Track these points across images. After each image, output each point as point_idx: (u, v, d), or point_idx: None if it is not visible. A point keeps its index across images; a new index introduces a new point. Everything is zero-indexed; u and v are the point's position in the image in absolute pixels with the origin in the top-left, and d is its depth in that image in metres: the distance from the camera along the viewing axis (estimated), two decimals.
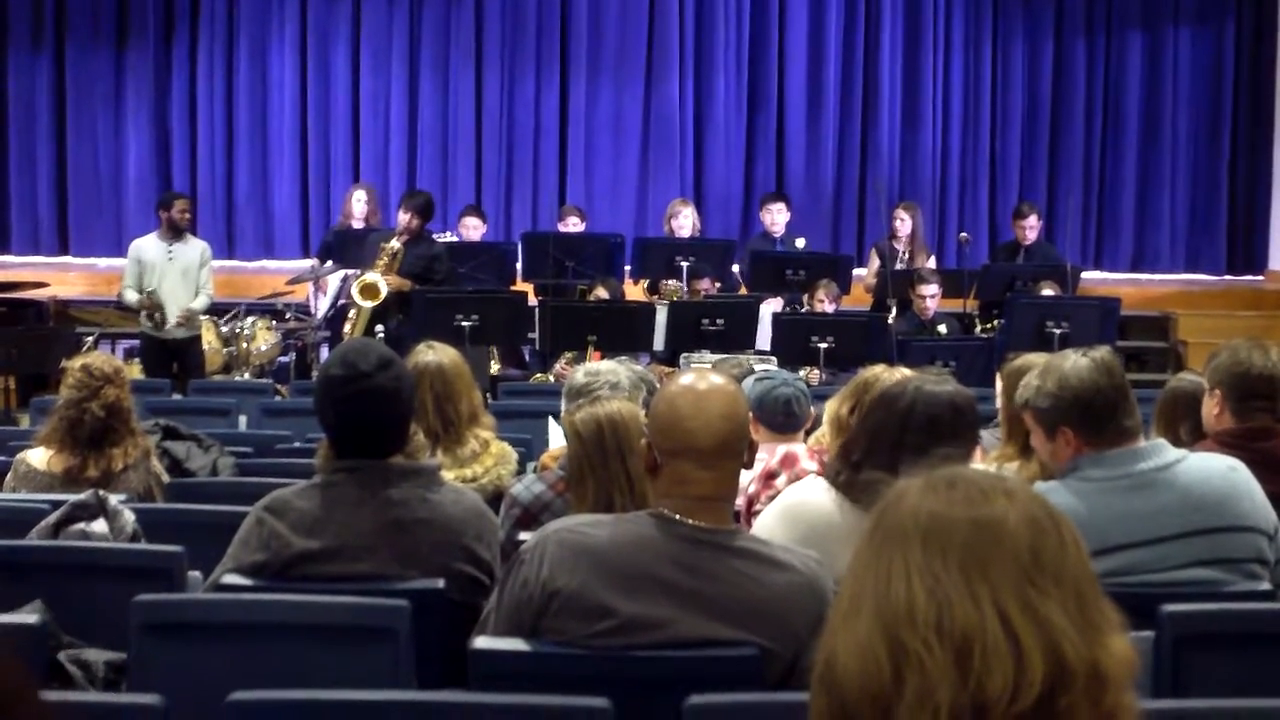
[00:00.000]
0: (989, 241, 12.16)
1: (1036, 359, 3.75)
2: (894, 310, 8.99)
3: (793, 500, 3.16)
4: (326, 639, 2.84)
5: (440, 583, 3.02)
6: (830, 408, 4.00)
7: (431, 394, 4.14)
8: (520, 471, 4.29)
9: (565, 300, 8.92)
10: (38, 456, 4.40)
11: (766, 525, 3.11)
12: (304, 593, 2.95)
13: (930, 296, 9.02)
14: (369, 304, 8.55)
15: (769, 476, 3.79)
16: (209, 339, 9.15)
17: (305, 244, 12.20)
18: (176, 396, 7.52)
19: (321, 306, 9.66)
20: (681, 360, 7.76)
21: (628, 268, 9.85)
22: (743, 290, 9.99)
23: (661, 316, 8.41)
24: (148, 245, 8.95)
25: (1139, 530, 3.06)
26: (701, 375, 2.60)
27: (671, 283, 9.42)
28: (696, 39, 12.51)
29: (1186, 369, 9.35)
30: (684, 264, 9.33)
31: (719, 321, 8.24)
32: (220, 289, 9.63)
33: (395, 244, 8.68)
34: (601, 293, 8.82)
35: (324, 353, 9.22)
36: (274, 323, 9.62)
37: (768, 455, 3.84)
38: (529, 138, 12.48)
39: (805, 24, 12.50)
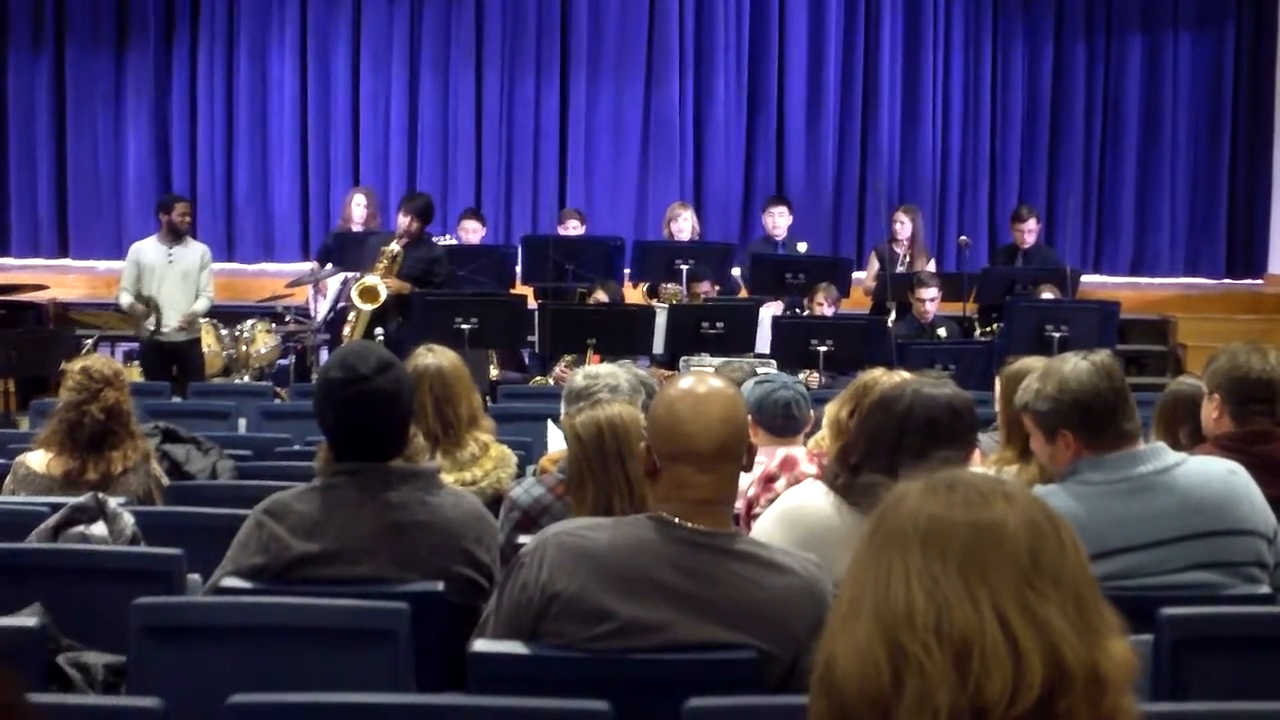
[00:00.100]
0: (988, 244, 12.16)
1: (1035, 362, 3.75)
2: (893, 313, 9.00)
3: (791, 504, 3.16)
4: (326, 642, 2.84)
5: (439, 585, 3.02)
6: (830, 411, 4.00)
7: (431, 397, 4.14)
8: (520, 474, 4.29)
9: (565, 303, 8.91)
10: (37, 459, 4.40)
11: (765, 529, 3.11)
12: (303, 595, 2.95)
13: (930, 300, 9.02)
14: (368, 307, 8.55)
15: (768, 480, 3.79)
16: (208, 342, 9.16)
17: (305, 247, 12.20)
18: (176, 399, 7.51)
19: (321, 309, 9.66)
20: (681, 363, 7.76)
21: (627, 271, 9.85)
22: (743, 293, 10.00)
23: (661, 320, 8.41)
24: (147, 248, 8.95)
25: (1138, 534, 3.06)
26: (700, 378, 2.60)
27: (670, 286, 9.42)
28: (696, 40, 12.51)
29: (1186, 372, 9.36)
30: (684, 267, 9.33)
31: (718, 325, 8.25)
32: (220, 292, 9.63)
33: (395, 247, 8.68)
34: (601, 296, 8.82)
35: (323, 355, 9.21)
36: (273, 325, 9.62)
37: (767, 458, 3.84)
38: (529, 139, 12.49)
39: (805, 26, 12.51)
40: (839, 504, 3.04)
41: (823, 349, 8.05)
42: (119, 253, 10.37)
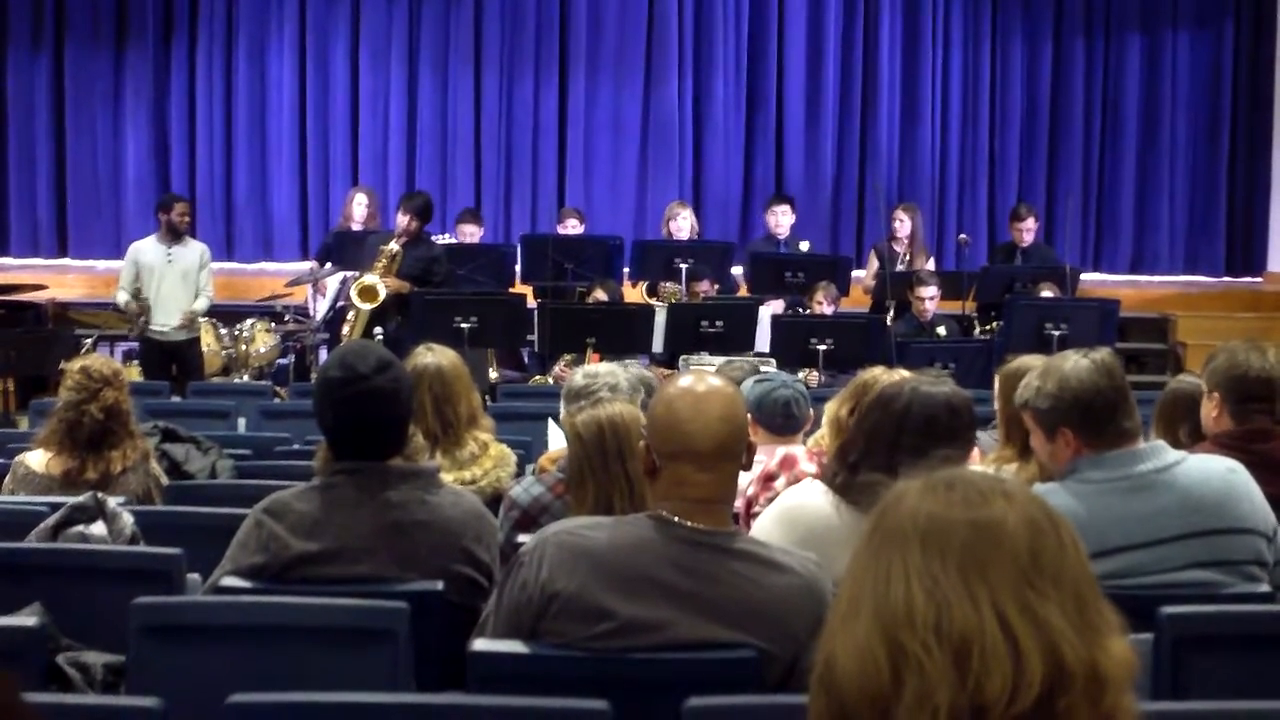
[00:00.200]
0: (987, 243, 12.16)
1: (1034, 361, 3.74)
2: (893, 312, 9.00)
3: (790, 503, 3.16)
4: (325, 641, 2.84)
5: (439, 585, 3.02)
6: (829, 409, 4.00)
7: (430, 396, 4.14)
8: (519, 474, 4.28)
9: (564, 302, 8.91)
10: (36, 459, 4.40)
11: (764, 528, 3.11)
12: (303, 595, 2.95)
13: (929, 298, 9.02)
14: (367, 306, 8.54)
15: (768, 478, 3.79)
16: (208, 341, 9.15)
17: (304, 246, 12.20)
18: (175, 399, 7.51)
19: (320, 309, 9.66)
20: (680, 362, 7.76)
21: (626, 270, 9.85)
22: (742, 292, 9.99)
23: (660, 318, 8.41)
24: (146, 248, 8.95)
25: (1138, 532, 3.06)
26: (700, 377, 2.60)
27: (669, 285, 9.42)
28: (696, 39, 12.51)
29: (1185, 371, 9.36)
30: (683, 266, 9.33)
31: (718, 323, 8.25)
32: (219, 291, 9.63)
33: (394, 246, 8.67)
34: (600, 295, 8.82)
35: (323, 355, 9.21)
36: (273, 325, 9.61)
37: (767, 457, 3.84)
38: (528, 138, 12.49)
39: (804, 25, 12.51)
40: (838, 503, 3.04)
41: (822, 348, 8.05)
42: (118, 252, 10.36)
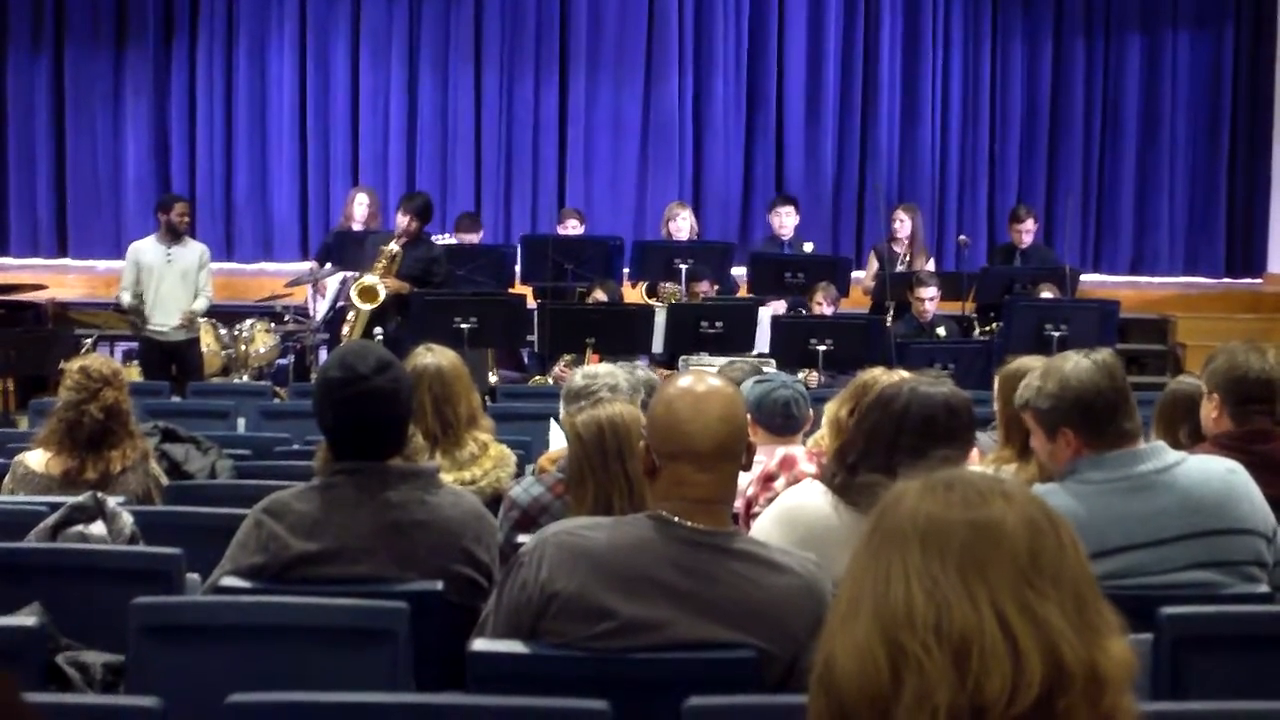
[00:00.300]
0: (987, 243, 12.16)
1: (1033, 362, 3.75)
2: (892, 313, 9.00)
3: (790, 504, 3.16)
4: (325, 641, 2.84)
5: (439, 585, 3.02)
6: (829, 410, 4.00)
7: (430, 396, 4.14)
8: (519, 474, 4.29)
9: (564, 303, 8.91)
10: (36, 459, 4.40)
11: (764, 529, 3.11)
12: (302, 595, 2.95)
13: (929, 299, 9.03)
14: (367, 306, 8.54)
15: (767, 479, 3.79)
16: (208, 341, 9.16)
17: (304, 246, 12.20)
18: (175, 399, 7.51)
19: (320, 309, 9.66)
20: (680, 363, 7.76)
21: (626, 270, 9.85)
22: (742, 292, 9.99)
23: (660, 319, 8.41)
24: (146, 248, 8.95)
25: (1138, 532, 3.06)
26: (699, 377, 2.60)
27: (669, 285, 9.42)
28: (696, 38, 12.52)
29: (1185, 371, 9.36)
30: (683, 266, 9.33)
31: (718, 324, 8.25)
32: (219, 291, 9.63)
33: (394, 247, 8.67)
34: (600, 295, 8.82)
35: (322, 355, 9.22)
36: (273, 325, 9.62)
37: (766, 457, 3.84)
38: (528, 138, 12.49)
39: (804, 24, 12.51)
40: (837, 503, 3.04)
41: (822, 348, 8.05)
42: (118, 252, 10.37)
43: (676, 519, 2.50)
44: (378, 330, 8.36)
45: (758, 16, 12.51)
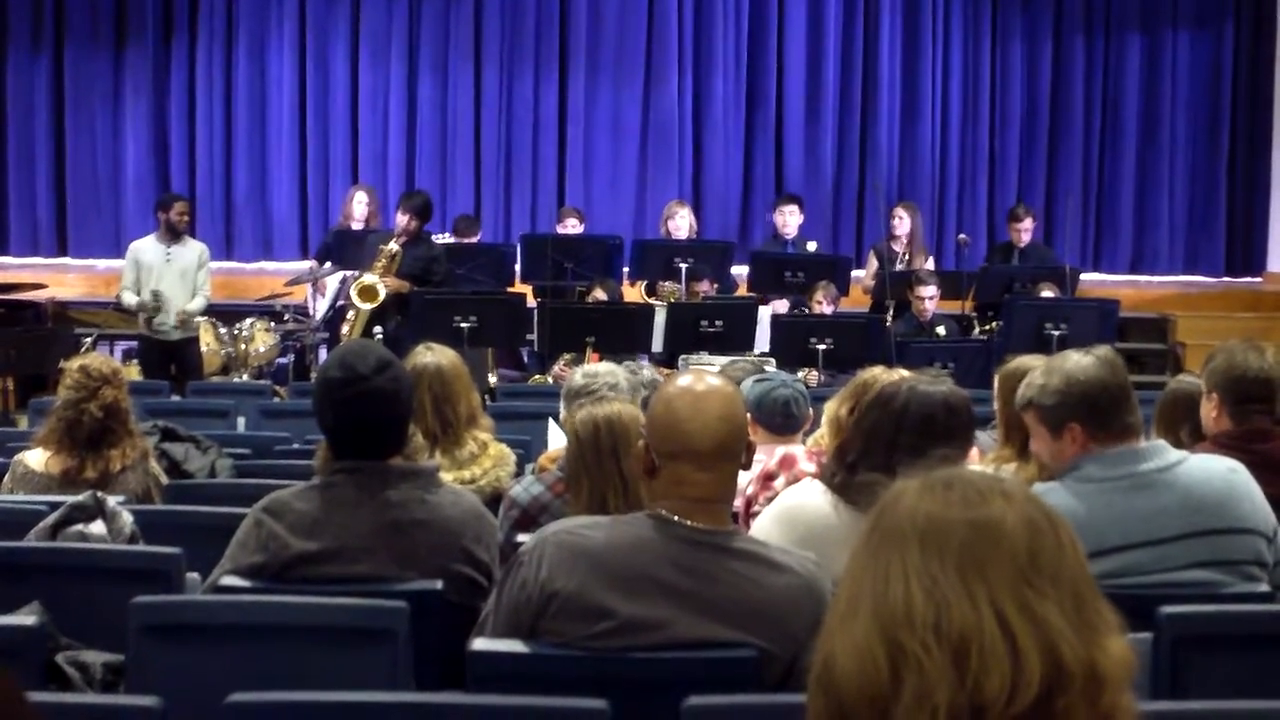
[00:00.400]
0: (987, 242, 12.16)
1: (1033, 361, 3.75)
2: (892, 312, 9.00)
3: (789, 503, 3.16)
4: (325, 640, 2.84)
5: (438, 584, 3.02)
6: (829, 409, 4.00)
7: (430, 395, 4.14)
8: (519, 473, 4.29)
9: (564, 302, 8.92)
10: (36, 458, 4.40)
11: (763, 528, 3.11)
12: (302, 594, 2.95)
13: (929, 298, 9.02)
14: (367, 306, 8.54)
15: (767, 478, 3.79)
16: (207, 340, 9.15)
17: (304, 245, 12.20)
18: (175, 398, 7.51)
19: (320, 308, 9.66)
20: (680, 362, 7.77)
21: (626, 269, 9.85)
22: (741, 291, 9.99)
23: (660, 318, 8.41)
24: (146, 247, 8.95)
25: (1139, 531, 3.06)
26: (699, 376, 2.60)
27: (668, 284, 9.43)
28: (695, 38, 12.52)
29: (1185, 371, 9.36)
30: (683, 265, 9.33)
31: (718, 323, 8.25)
32: (219, 290, 9.63)
33: (393, 246, 8.67)
34: (600, 294, 8.82)
35: (322, 354, 9.22)
36: (272, 324, 9.61)
37: (766, 456, 3.83)
38: (527, 137, 12.49)
39: (804, 24, 12.51)
40: (837, 503, 3.04)
41: (822, 347, 8.06)
42: (118, 252, 10.37)
43: (676, 518, 2.50)
44: (377, 329, 8.36)
45: (757, 16, 12.51)
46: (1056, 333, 8.08)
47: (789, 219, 10.10)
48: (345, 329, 8.69)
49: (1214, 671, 2.83)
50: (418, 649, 2.83)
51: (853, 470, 3.05)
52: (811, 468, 3.66)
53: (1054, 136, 12.73)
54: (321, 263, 9.79)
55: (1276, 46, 12.55)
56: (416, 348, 4.34)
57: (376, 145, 12.45)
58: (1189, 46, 12.68)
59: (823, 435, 4.11)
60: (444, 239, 9.62)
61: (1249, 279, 12.64)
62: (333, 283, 9.56)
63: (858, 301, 10.05)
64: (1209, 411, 3.80)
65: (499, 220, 12.33)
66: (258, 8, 12.30)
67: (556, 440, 4.55)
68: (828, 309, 8.85)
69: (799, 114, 12.54)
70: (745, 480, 3.70)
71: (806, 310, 9.03)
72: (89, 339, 9.22)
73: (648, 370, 5.04)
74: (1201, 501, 3.09)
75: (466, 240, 10.03)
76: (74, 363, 4.49)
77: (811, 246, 10.18)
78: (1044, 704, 1.38)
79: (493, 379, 8.65)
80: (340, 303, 9.24)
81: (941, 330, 9.03)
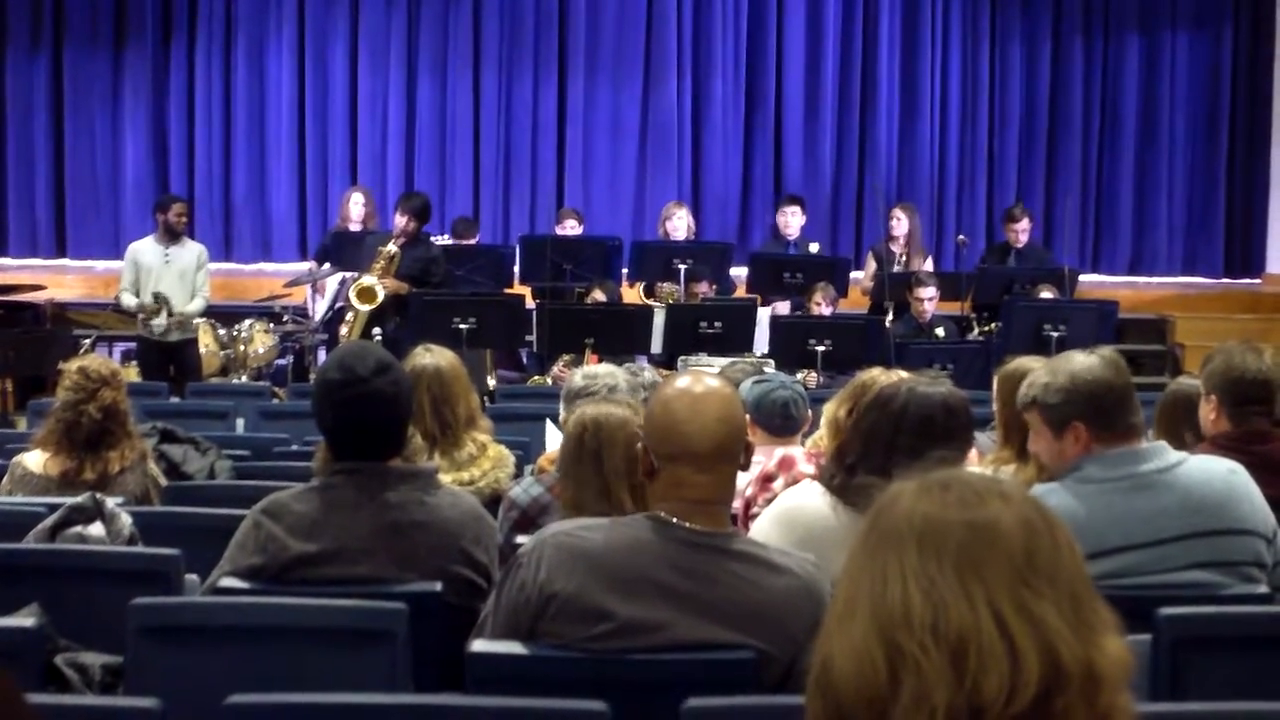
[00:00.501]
0: (986, 243, 12.16)
1: (1032, 362, 3.75)
2: (891, 313, 9.00)
3: (788, 505, 3.16)
4: (324, 642, 2.84)
5: (438, 586, 3.02)
6: (828, 410, 4.00)
7: (429, 397, 4.14)
8: (518, 474, 4.29)
9: (563, 303, 8.92)
10: (34, 459, 4.40)
11: (762, 530, 3.11)
12: (301, 596, 2.94)
13: (928, 299, 9.03)
14: (366, 308, 8.54)
15: (766, 479, 3.79)
16: (206, 342, 9.15)
17: (303, 247, 12.20)
18: (174, 399, 7.51)
19: (319, 309, 9.66)
20: (679, 363, 7.77)
21: (625, 270, 9.85)
22: (740, 292, 10.00)
23: (659, 319, 8.41)
24: (144, 248, 8.95)
25: (1139, 532, 3.06)
26: (697, 378, 2.60)
27: (666, 285, 9.43)
28: (694, 40, 12.52)
29: (1184, 372, 9.36)
30: (682, 267, 9.33)
31: (716, 324, 8.25)
32: (218, 292, 9.63)
33: (392, 247, 8.67)
34: (599, 295, 8.82)
35: (321, 355, 9.22)
36: (271, 325, 9.61)
37: (765, 458, 3.84)
38: (526, 139, 12.49)
39: (803, 25, 12.51)
40: (836, 504, 3.04)
41: (821, 349, 8.06)
42: (116, 253, 10.37)
43: (675, 520, 2.50)
44: (376, 330, 8.36)
45: (756, 17, 12.52)
46: (1055, 334, 8.09)
47: (791, 220, 10.11)
48: (344, 330, 8.69)
49: (1213, 673, 2.84)
50: (417, 650, 2.83)
51: (852, 472, 3.05)
52: (810, 469, 3.66)
53: (1053, 137, 12.73)
54: (320, 264, 9.79)
55: (1275, 47, 12.55)
56: (415, 349, 4.34)
57: (375, 146, 12.45)
58: (1188, 47, 12.68)
59: (821, 437, 4.11)
60: (442, 240, 9.62)
61: (1248, 280, 12.64)
62: (332, 284, 9.56)
63: (857, 303, 10.05)
64: (1207, 413, 3.81)
65: (498, 221, 12.34)
66: (257, 9, 12.30)
67: (555, 442, 4.55)
68: (826, 310, 8.85)
69: (798, 115, 12.54)
70: (744, 482, 3.70)
71: (805, 312, 9.04)
72: (88, 340, 9.21)
73: (648, 372, 5.04)
74: (1201, 502, 3.09)
75: (465, 242, 10.02)
76: (73, 364, 4.49)
77: (814, 248, 10.18)
78: (1042, 704, 1.38)
79: (491, 380, 8.65)
80: (339, 304, 9.24)
81: (940, 331, 9.03)
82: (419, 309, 8.19)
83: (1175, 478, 3.11)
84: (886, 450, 3.01)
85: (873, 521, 1.49)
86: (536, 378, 8.72)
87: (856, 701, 1.41)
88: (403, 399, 3.16)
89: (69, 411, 4.35)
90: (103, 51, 12.24)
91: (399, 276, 8.60)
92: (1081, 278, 10.80)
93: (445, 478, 3.77)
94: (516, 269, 9.69)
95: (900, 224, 10.19)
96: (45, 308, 10.54)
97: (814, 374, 8.00)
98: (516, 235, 11.01)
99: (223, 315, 9.51)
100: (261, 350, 9.42)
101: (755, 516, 3.44)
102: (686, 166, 12.53)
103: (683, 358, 7.92)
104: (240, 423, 6.59)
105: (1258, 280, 12.60)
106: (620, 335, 8.18)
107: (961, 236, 11.25)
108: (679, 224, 10.08)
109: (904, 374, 3.64)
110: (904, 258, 10.04)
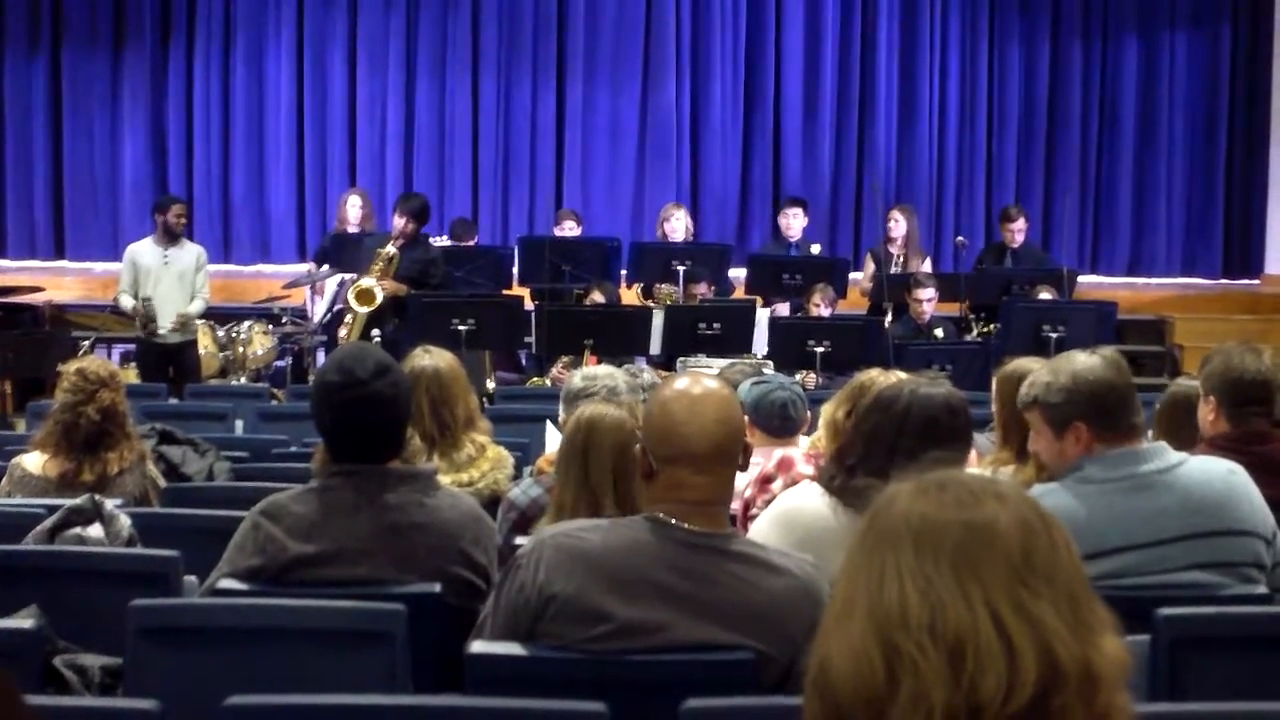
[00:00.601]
0: (985, 244, 12.16)
1: (1031, 363, 3.75)
2: (890, 314, 9.00)
3: (787, 505, 3.16)
4: (323, 643, 2.84)
5: (437, 587, 3.02)
6: (826, 411, 3.99)
7: (428, 398, 4.14)
8: (517, 476, 4.29)
9: (561, 304, 8.92)
10: (33, 461, 4.40)
11: (761, 530, 3.11)
12: (300, 597, 2.94)
13: (927, 300, 9.03)
14: (365, 309, 8.54)
15: (765, 480, 3.79)
16: (205, 343, 9.15)
17: (301, 248, 12.20)
18: (173, 401, 7.51)
19: (318, 311, 9.66)
20: (678, 364, 7.77)
21: (624, 272, 9.86)
22: (738, 294, 10.00)
23: (658, 320, 8.41)
24: (143, 250, 8.94)
25: (1139, 532, 3.06)
26: (696, 379, 2.60)
27: (664, 286, 9.43)
28: (693, 41, 12.52)
29: (1184, 373, 9.36)
30: (680, 268, 9.34)
31: (715, 325, 8.25)
32: (217, 293, 9.63)
33: (390, 249, 8.67)
34: (597, 297, 8.83)
35: (320, 357, 9.22)
36: (270, 327, 9.61)
37: (763, 459, 3.84)
38: (525, 140, 12.49)
39: (801, 27, 12.51)
40: (835, 505, 3.04)
41: (820, 350, 8.06)
42: (115, 254, 10.37)
43: (674, 521, 2.50)
44: (375, 332, 8.36)
45: (755, 19, 12.52)
46: (1054, 335, 8.09)
47: (794, 222, 10.11)
48: (343, 332, 8.69)
49: (1212, 673, 2.84)
50: (416, 651, 2.83)
51: (852, 473, 3.05)
52: (809, 470, 3.66)
53: (1051, 138, 12.73)
54: (319, 266, 9.79)
55: (1274, 47, 12.55)
56: (414, 350, 4.34)
57: (374, 148, 12.45)
58: (1186, 48, 12.68)
59: (820, 438, 4.11)
60: (441, 242, 9.62)
61: (1246, 281, 12.64)
62: (330, 286, 9.57)
63: (855, 304, 10.05)
64: (1206, 414, 3.81)
65: (497, 223, 12.34)
66: (256, 11, 12.30)
67: (554, 443, 4.56)
68: (825, 311, 8.85)
69: (797, 116, 12.55)
70: (743, 483, 3.70)
71: (804, 313, 9.04)
72: (86, 342, 9.22)
73: (648, 373, 5.04)
74: (1201, 503, 3.09)
75: (463, 243, 10.02)
76: (71, 366, 4.49)
77: (815, 249, 10.18)
78: (1040, 704, 1.38)
79: (490, 382, 8.65)
80: (338, 306, 9.24)
81: (939, 332, 9.04)
82: (418, 310, 8.19)
83: (1175, 478, 3.11)
84: (889, 452, 3.01)
85: (870, 522, 1.49)
86: (535, 379, 8.72)
87: (854, 701, 1.41)
88: (402, 401, 3.16)
89: (67, 413, 4.35)
90: (101, 53, 12.24)
91: (398, 278, 8.60)
92: (1080, 278, 10.80)
93: (444, 479, 3.77)
94: (515, 270, 9.70)
95: (898, 225, 10.19)
96: (44, 309, 10.54)
97: (813, 375, 8.01)
98: (515, 236, 11.02)
99: (221, 317, 9.51)
100: (260, 352, 9.42)
101: (754, 517, 3.44)
102: (685, 168, 12.53)
103: (682, 359, 7.92)
104: (239, 424, 6.59)
105: (1257, 281, 12.60)
106: (619, 336, 8.19)
107: (960, 238, 11.25)
108: (677, 225, 10.08)
109: (902, 375, 3.64)
110: (902, 259, 10.05)
